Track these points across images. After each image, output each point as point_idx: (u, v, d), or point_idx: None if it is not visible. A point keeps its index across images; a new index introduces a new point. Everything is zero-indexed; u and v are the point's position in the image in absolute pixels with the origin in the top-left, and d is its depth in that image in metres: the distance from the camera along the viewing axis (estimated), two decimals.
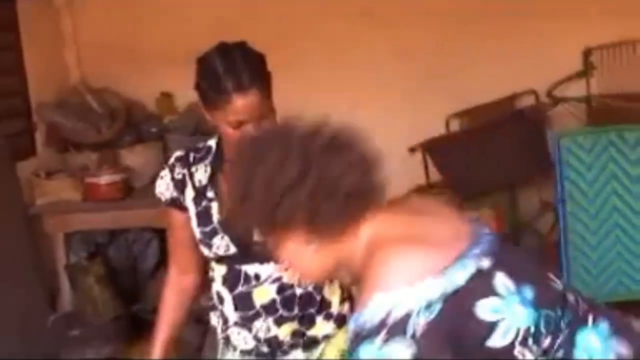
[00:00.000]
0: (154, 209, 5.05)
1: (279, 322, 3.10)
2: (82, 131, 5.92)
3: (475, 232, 2.27)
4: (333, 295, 3.13)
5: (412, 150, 5.74)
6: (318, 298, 3.11)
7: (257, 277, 3.07)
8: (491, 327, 2.15)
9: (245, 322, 3.12)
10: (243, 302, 3.10)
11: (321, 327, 3.14)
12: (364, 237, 2.28)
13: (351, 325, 2.21)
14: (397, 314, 2.13)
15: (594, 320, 2.29)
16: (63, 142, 6.00)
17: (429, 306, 2.13)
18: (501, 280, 2.21)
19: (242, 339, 3.17)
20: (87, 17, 6.34)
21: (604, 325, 2.29)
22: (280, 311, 3.10)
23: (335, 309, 3.15)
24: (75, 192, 5.71)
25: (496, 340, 2.17)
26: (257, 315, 3.10)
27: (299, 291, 3.08)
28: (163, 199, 3.14)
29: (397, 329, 2.13)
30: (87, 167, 5.79)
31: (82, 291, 5.66)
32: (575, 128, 5.46)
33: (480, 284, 2.19)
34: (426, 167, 5.79)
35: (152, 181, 5.43)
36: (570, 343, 2.27)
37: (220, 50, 2.92)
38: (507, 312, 2.19)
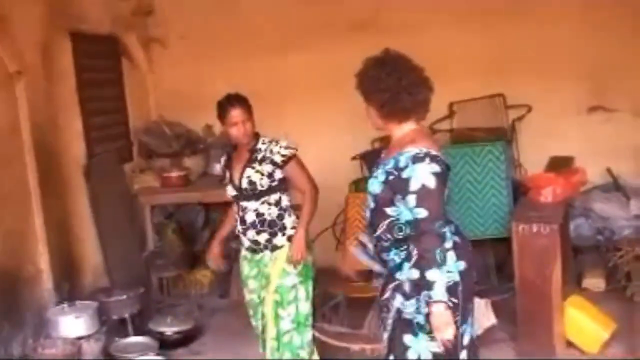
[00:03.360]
0: (202, 192, 6.19)
1: (258, 232, 3.96)
2: (159, 146, 6.54)
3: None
4: (289, 223, 3.99)
5: (354, 158, 6.28)
6: (280, 222, 3.97)
7: (246, 208, 3.96)
8: None
9: (244, 232, 4.01)
10: (242, 221, 4.00)
11: (279, 239, 3.96)
12: (407, 127, 3.07)
13: (404, 155, 2.94)
14: (432, 154, 2.95)
15: None
16: (149, 152, 6.60)
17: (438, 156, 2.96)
18: None
19: (244, 241, 4.03)
20: (161, 77, 6.94)
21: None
22: (258, 227, 3.94)
23: (288, 231, 3.98)
24: (156, 182, 6.35)
25: None
26: (248, 228, 3.98)
27: (268, 217, 3.94)
28: (222, 167, 4.18)
29: (434, 159, 2.94)
30: (163, 167, 6.43)
31: (163, 237, 6.34)
32: (447, 144, 5.93)
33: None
34: (362, 168, 6.30)
35: (202, 176, 6.52)
36: None
37: (226, 95, 4.02)
38: None
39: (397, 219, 3.05)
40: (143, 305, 5.34)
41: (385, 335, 3.14)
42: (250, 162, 3.98)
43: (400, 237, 3.06)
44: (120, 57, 6.51)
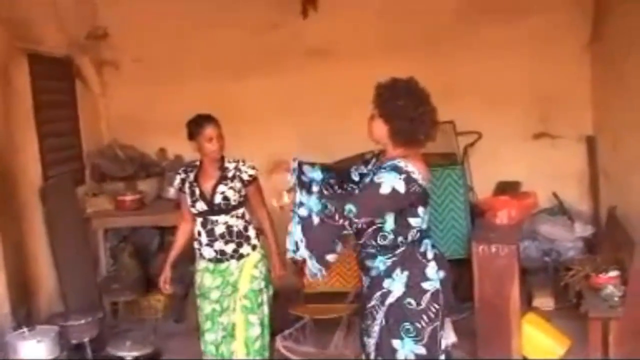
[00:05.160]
0: (157, 215, 6.17)
1: (227, 242, 4.19)
2: (113, 169, 6.51)
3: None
4: (252, 234, 4.26)
5: None
6: (245, 234, 4.23)
7: (216, 221, 4.18)
8: None
9: (210, 243, 4.21)
10: (209, 233, 4.19)
11: (245, 248, 4.23)
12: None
13: (387, 163, 3.04)
14: (408, 170, 3.01)
15: None
16: (102, 176, 6.53)
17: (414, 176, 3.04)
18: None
19: (208, 252, 4.22)
20: (114, 100, 6.86)
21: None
22: (227, 238, 4.18)
23: (252, 241, 4.26)
24: (110, 205, 6.28)
25: None
26: (216, 240, 4.19)
27: (236, 229, 4.18)
28: (177, 187, 4.34)
29: (407, 178, 2.99)
30: (117, 191, 6.37)
31: (119, 261, 6.28)
32: None
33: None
34: None
35: (156, 198, 6.48)
36: None
37: (197, 115, 4.21)
38: None
39: (382, 226, 3.13)
40: (100, 329, 5.26)
41: (372, 342, 3.22)
42: (222, 179, 4.22)
43: (385, 244, 3.15)
44: (74, 80, 6.43)
